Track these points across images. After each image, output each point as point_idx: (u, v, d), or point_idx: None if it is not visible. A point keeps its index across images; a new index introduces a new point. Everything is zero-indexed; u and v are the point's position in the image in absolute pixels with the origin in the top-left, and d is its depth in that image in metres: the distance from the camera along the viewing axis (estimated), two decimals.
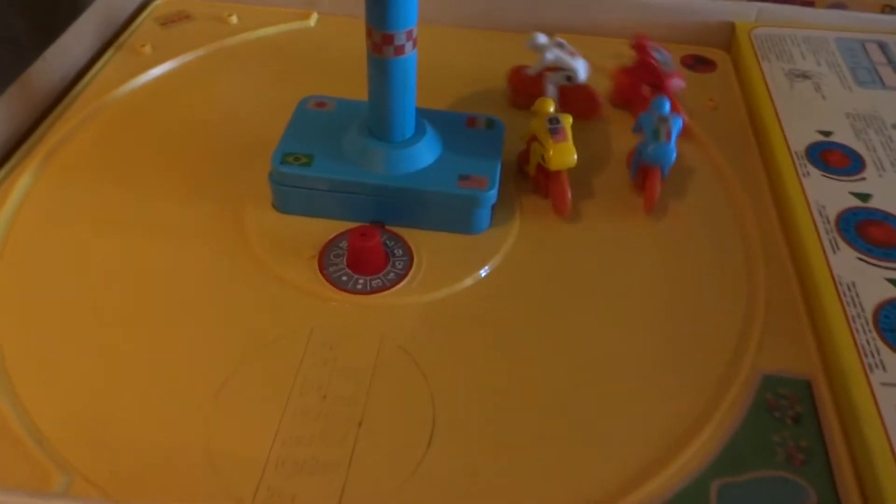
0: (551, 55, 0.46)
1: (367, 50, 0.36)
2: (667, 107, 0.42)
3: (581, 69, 0.47)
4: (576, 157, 0.40)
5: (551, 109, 0.41)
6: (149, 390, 0.33)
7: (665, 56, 0.48)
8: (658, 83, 0.47)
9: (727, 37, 0.55)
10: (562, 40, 0.47)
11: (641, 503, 0.29)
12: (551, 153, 0.39)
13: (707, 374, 0.34)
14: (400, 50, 0.36)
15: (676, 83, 0.47)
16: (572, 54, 0.47)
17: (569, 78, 0.46)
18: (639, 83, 0.48)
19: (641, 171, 0.42)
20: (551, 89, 0.47)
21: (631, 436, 0.32)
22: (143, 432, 0.31)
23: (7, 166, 0.43)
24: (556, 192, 0.41)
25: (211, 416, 0.32)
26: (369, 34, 0.36)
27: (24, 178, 0.42)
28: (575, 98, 0.47)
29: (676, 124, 0.42)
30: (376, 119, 0.39)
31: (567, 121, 0.40)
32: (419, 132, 0.40)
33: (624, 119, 0.48)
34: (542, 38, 0.46)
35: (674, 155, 0.41)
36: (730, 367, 0.34)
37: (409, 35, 0.35)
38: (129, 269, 0.38)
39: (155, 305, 0.36)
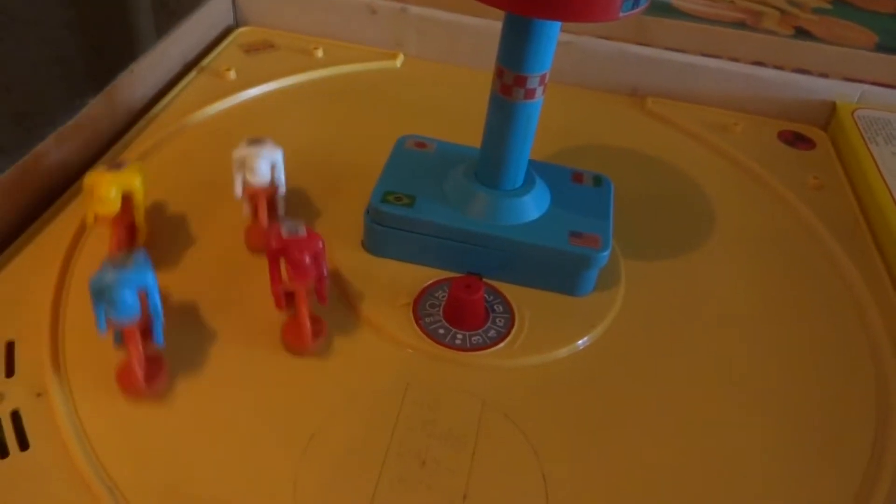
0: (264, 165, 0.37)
1: (493, 91, 0.34)
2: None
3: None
4: None
5: None
6: (229, 443, 0.29)
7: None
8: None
9: (825, 115, 0.53)
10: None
11: None
12: None
13: (843, 483, 0.31)
14: (531, 94, 0.33)
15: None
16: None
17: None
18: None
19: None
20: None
21: None
22: (222, 490, 0.28)
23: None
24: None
25: (299, 475, 0.28)
26: (500, 74, 0.33)
27: None
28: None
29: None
30: (488, 164, 0.36)
31: None
32: (528, 182, 0.37)
33: None
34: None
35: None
36: (869, 469, 0.31)
37: (543, 79, 0.33)
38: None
39: (237, 344, 0.33)
